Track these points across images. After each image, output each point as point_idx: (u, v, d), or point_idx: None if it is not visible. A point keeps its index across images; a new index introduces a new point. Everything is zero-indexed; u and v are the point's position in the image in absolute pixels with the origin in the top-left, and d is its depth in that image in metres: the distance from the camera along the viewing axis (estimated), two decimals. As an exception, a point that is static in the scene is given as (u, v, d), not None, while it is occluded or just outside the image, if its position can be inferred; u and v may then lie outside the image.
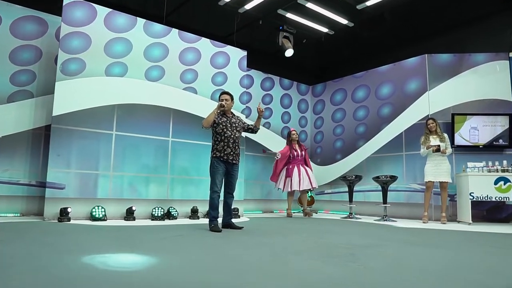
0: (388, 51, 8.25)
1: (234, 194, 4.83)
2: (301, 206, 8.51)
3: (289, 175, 7.27)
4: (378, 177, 6.86)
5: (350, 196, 7.27)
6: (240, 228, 4.73)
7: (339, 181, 8.50)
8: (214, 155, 4.63)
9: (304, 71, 9.71)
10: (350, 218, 7.05)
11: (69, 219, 5.02)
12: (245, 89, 7.25)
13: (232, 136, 4.65)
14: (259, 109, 4.83)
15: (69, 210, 5.03)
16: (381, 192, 6.91)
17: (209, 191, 4.59)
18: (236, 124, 4.76)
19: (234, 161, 4.68)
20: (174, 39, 6.40)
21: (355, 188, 7.50)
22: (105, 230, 4.31)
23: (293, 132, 7.54)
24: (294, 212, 7.72)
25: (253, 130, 4.98)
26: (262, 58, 8.80)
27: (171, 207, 5.97)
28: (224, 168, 4.63)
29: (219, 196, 4.60)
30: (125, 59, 5.88)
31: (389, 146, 7.71)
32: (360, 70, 8.54)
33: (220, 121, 4.65)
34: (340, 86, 8.96)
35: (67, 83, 5.36)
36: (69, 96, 5.37)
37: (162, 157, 6.13)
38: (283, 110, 8.97)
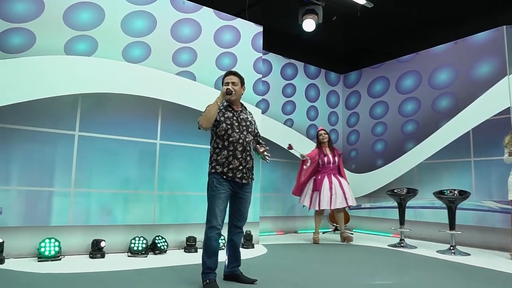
0: (446, 26, 6.38)
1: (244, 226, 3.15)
2: (333, 224, 6.76)
3: (317, 188, 5.54)
4: (442, 192, 5.04)
5: (401, 216, 5.46)
6: (252, 282, 3.04)
7: (380, 193, 6.72)
8: (214, 171, 2.97)
9: (334, 56, 7.92)
10: (401, 246, 5.26)
11: (0, 260, 3.42)
12: (260, 76, 5.53)
13: (242, 140, 2.98)
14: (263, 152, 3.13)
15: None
16: (438, 210, 5.16)
17: (205, 226, 2.92)
18: (247, 122, 3.09)
19: (244, 180, 3.01)
20: (165, 7, 4.74)
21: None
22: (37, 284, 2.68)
23: (322, 131, 5.80)
24: (323, 232, 5.97)
25: (262, 145, 3.23)
26: (282, 40, 7.08)
27: (158, 236, 4.32)
28: (229, 191, 2.97)
29: (219, 235, 2.92)
30: (94, 31, 4.25)
31: (450, 150, 5.87)
32: (407, 52, 6.71)
33: (222, 118, 2.99)
34: (380, 73, 7.15)
35: (5, 64, 3.77)
36: (9, 82, 3.77)
37: (146, 166, 4.48)
38: (308, 104, 7.21)
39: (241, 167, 2.96)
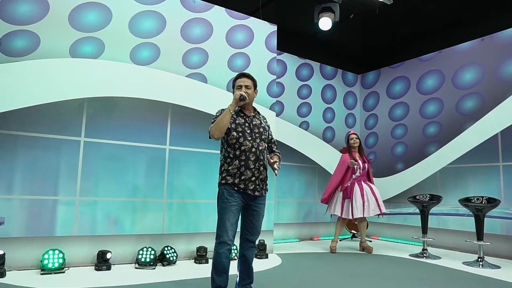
0: (472, 22, 6.03)
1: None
2: (351, 231, 6.48)
3: (348, 195, 5.25)
4: (469, 199, 4.72)
5: (424, 224, 5.15)
6: (265, 301, 2.81)
7: (400, 199, 6.41)
8: (224, 182, 2.74)
9: (351, 56, 7.63)
10: (424, 256, 4.95)
11: (1, 273, 3.26)
12: (274, 77, 5.29)
13: (255, 149, 2.75)
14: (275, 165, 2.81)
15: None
16: (464, 217, 4.84)
17: (214, 242, 2.70)
18: (261, 129, 2.85)
19: (257, 192, 2.77)
20: (174, 6, 4.55)
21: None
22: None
23: (353, 135, 5.49)
24: (340, 239, 5.70)
25: (275, 153, 2.98)
26: (297, 40, 6.82)
27: (167, 246, 4.12)
28: (241, 203, 2.74)
29: (230, 251, 2.70)
30: (101, 32, 4.07)
31: (477, 154, 5.52)
32: (429, 51, 6.38)
33: (233, 124, 2.77)
34: (400, 73, 6.83)
35: (9, 67, 3.62)
36: (13, 86, 3.61)
37: (155, 173, 4.29)
38: (325, 105, 6.94)
39: (253, 178, 2.73)
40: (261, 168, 2.78)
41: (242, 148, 2.72)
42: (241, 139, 2.72)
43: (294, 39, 6.73)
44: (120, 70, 4.14)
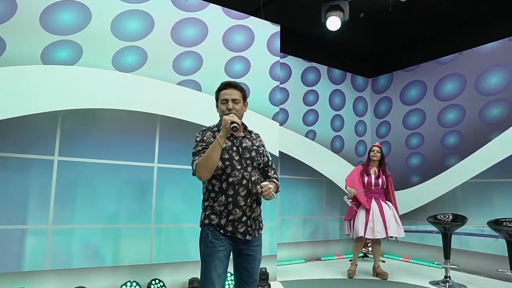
0: (497, 20, 5.44)
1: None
2: (366, 250, 5.93)
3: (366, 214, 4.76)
4: (500, 222, 4.15)
5: (446, 249, 4.57)
6: None
7: (417, 215, 5.87)
8: (208, 221, 2.20)
9: (362, 58, 7.07)
10: (447, 284, 4.39)
11: (-46, 323, 2.76)
12: (278, 83, 4.76)
13: (246, 180, 2.20)
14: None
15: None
16: (490, 238, 4.30)
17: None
18: (253, 153, 2.29)
19: (249, 236, 2.20)
20: (164, 5, 4.03)
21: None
22: None
23: (375, 148, 4.98)
24: (350, 259, 5.16)
25: (271, 179, 2.38)
26: (302, 41, 6.28)
27: (155, 279, 3.60)
28: (229, 247, 2.20)
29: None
30: (78, 35, 3.56)
31: (505, 167, 4.94)
32: (448, 52, 5.80)
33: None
34: (415, 77, 6.26)
35: (-33, 76, 3.12)
36: (-28, 99, 3.11)
37: (142, 195, 3.76)
38: (333, 112, 6.38)
39: (244, 218, 2.18)
40: (254, 205, 2.22)
41: (230, 180, 2.16)
42: (229, 169, 2.16)
43: (299, 40, 6.19)
44: (100, 78, 3.62)
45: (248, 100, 2.39)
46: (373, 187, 4.79)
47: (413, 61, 6.32)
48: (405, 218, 6.04)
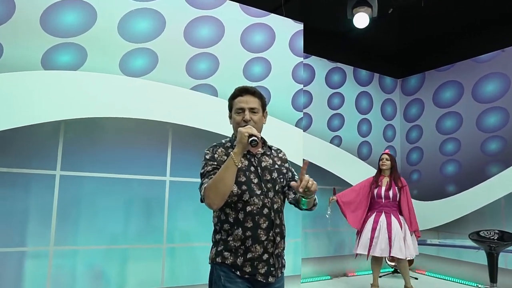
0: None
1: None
2: (392, 266, 5.48)
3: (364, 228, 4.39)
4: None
5: (492, 271, 4.07)
6: None
7: (453, 228, 5.39)
8: (221, 260, 1.79)
9: (389, 57, 6.59)
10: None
11: None
12: (301, 86, 4.36)
13: (268, 208, 1.80)
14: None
15: None
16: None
17: None
18: (274, 173, 1.89)
19: (271, 278, 1.80)
20: (176, 2, 3.68)
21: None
22: None
23: (384, 155, 4.58)
24: (380, 276, 4.72)
25: (298, 202, 1.90)
26: (326, 40, 5.85)
27: (167, 306, 3.25)
28: None
29: None
30: (83, 37, 3.25)
31: (556, 178, 4.41)
32: (488, 49, 5.27)
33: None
34: (450, 77, 5.74)
35: (-40, 84, 2.84)
36: (-35, 109, 2.83)
37: (152, 212, 3.42)
38: (360, 116, 5.93)
39: (266, 256, 1.77)
40: (278, 239, 1.81)
41: (248, 209, 1.76)
42: (246, 195, 1.76)
43: (323, 39, 5.76)
44: (106, 84, 3.30)
45: (268, 106, 2.00)
46: (382, 200, 4.37)
47: (448, 60, 5.80)
48: (440, 231, 5.55)
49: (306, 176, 1.69)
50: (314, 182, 1.71)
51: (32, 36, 3.06)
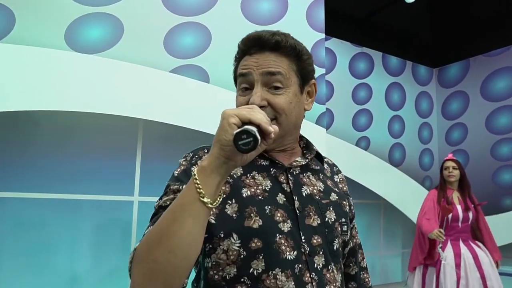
0: None
1: None
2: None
3: (433, 261, 3.28)
4: None
5: None
6: None
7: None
8: None
9: (424, 43, 5.48)
10: None
11: None
12: (324, 71, 3.29)
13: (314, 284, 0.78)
14: None
15: None
16: None
17: None
18: (332, 214, 0.87)
19: None
20: (151, -47, 2.65)
21: None
22: None
23: (449, 162, 3.41)
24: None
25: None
26: (349, 20, 4.79)
27: None
28: None
29: None
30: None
31: None
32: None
33: (235, 200, 0.83)
34: (503, 63, 4.65)
35: None
36: None
37: (113, 245, 2.38)
38: (391, 113, 4.85)
39: None
40: None
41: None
42: (261, 264, 0.77)
43: (346, 19, 4.71)
44: (46, 63, 2.27)
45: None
46: (459, 224, 3.26)
47: (500, 43, 4.71)
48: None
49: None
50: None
51: None
